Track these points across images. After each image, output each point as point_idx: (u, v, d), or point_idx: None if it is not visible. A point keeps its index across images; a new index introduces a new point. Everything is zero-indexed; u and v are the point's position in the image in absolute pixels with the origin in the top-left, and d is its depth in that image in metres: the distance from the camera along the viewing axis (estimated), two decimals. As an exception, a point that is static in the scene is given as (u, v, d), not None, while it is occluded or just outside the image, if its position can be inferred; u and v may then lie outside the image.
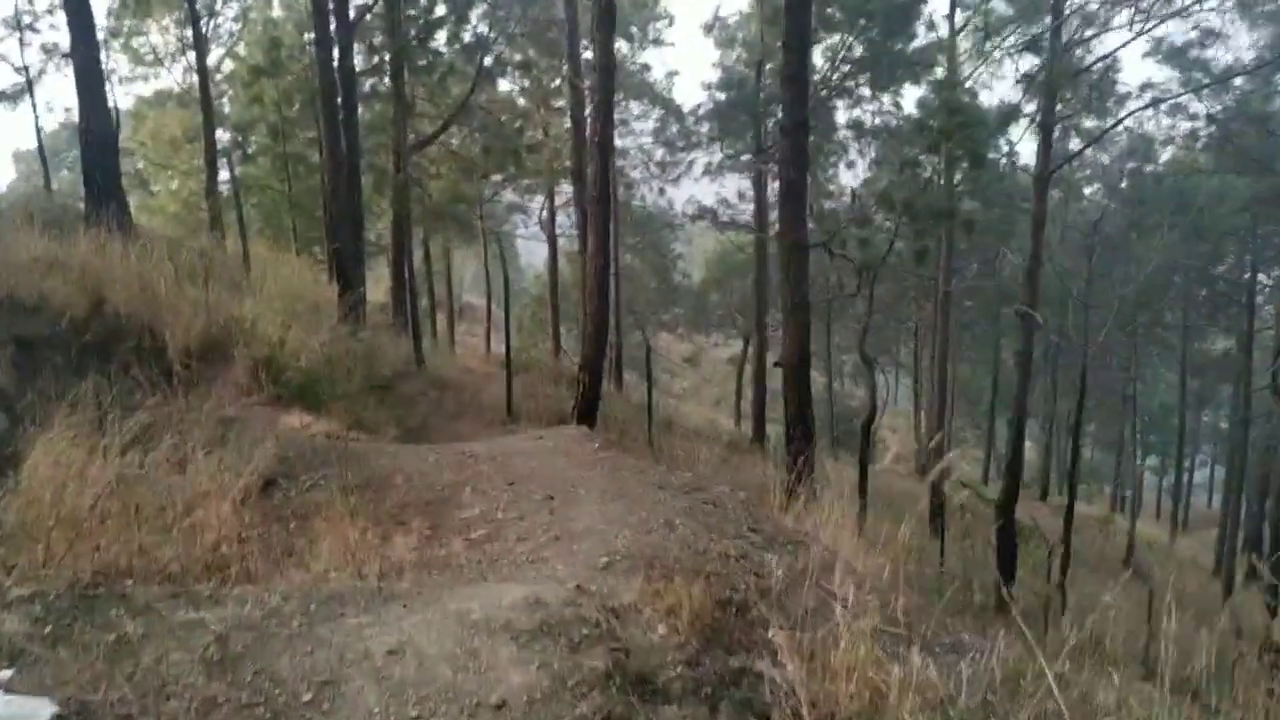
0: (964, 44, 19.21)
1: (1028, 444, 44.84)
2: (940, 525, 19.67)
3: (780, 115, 21.72)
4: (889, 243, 15.72)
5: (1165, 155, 26.38)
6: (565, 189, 24.82)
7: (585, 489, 5.08)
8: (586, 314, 10.66)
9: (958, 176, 18.65)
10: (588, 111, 20.51)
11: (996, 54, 18.69)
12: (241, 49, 23.63)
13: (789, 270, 11.30)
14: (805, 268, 11.46)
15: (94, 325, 8.76)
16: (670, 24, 25.74)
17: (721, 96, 21.88)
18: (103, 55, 24.58)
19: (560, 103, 24.79)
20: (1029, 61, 16.00)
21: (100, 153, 10.90)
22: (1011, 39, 16.43)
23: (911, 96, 26.69)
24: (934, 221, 15.80)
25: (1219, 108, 17.87)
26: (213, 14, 24.17)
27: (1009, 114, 15.66)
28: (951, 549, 14.43)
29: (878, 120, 25.89)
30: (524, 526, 4.58)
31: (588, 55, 21.09)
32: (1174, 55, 19.82)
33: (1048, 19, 14.54)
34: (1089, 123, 21.17)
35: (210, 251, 11.21)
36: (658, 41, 25.53)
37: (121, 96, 29.30)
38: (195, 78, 16.48)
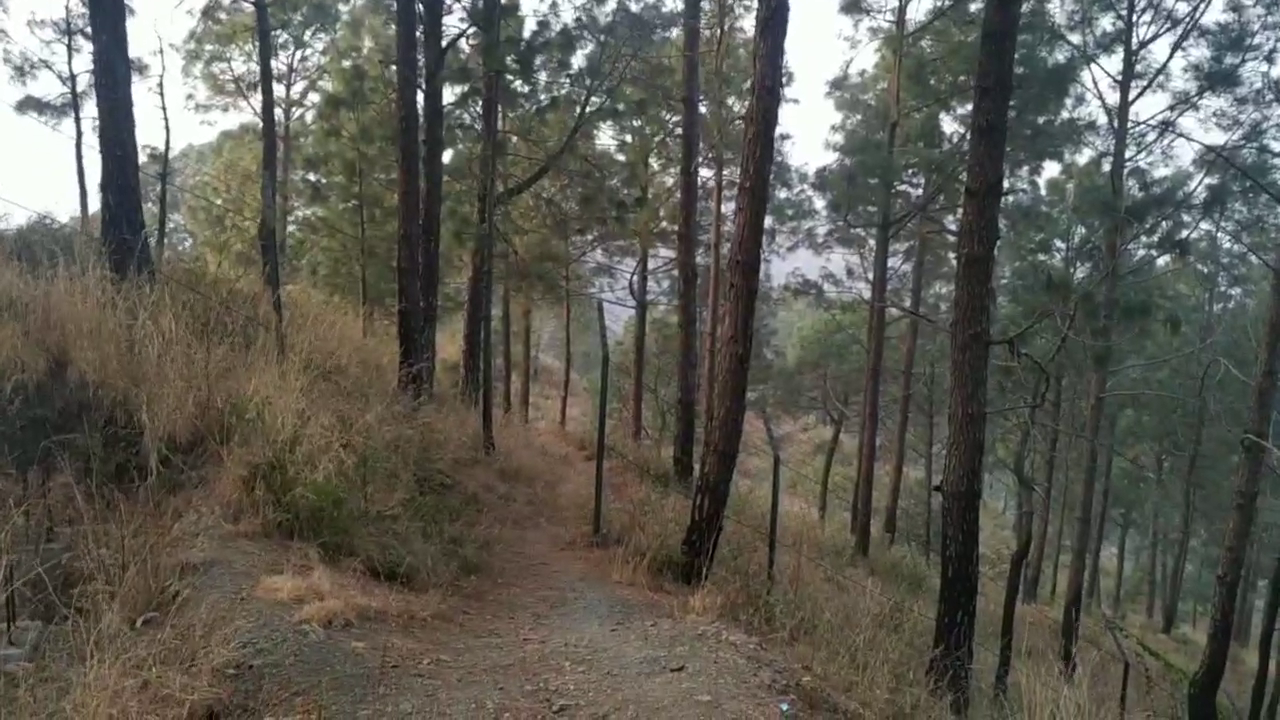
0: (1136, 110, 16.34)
1: (1110, 553, 41.23)
2: (1072, 665, 16.76)
3: (956, 177, 19.12)
4: (1060, 339, 12.84)
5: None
6: (662, 252, 22.50)
7: None
8: (711, 418, 7.94)
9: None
10: (700, 160, 18.39)
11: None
12: (326, 82, 22.10)
13: (963, 370, 8.56)
14: (984, 368, 8.74)
15: (54, 394, 6.42)
16: (788, 81, 23.31)
17: (848, 161, 19.29)
18: (180, 79, 23.32)
19: (661, 161, 22.68)
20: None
21: (117, 167, 8.60)
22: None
23: (1049, 172, 24.02)
24: (1124, 318, 12.83)
25: None
26: (300, 44, 22.77)
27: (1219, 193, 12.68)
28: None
29: (1010, 199, 23.30)
30: None
31: (702, 109, 18.91)
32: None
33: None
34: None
35: (236, 300, 8.83)
36: (776, 98, 23.10)
37: (196, 125, 28.60)
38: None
